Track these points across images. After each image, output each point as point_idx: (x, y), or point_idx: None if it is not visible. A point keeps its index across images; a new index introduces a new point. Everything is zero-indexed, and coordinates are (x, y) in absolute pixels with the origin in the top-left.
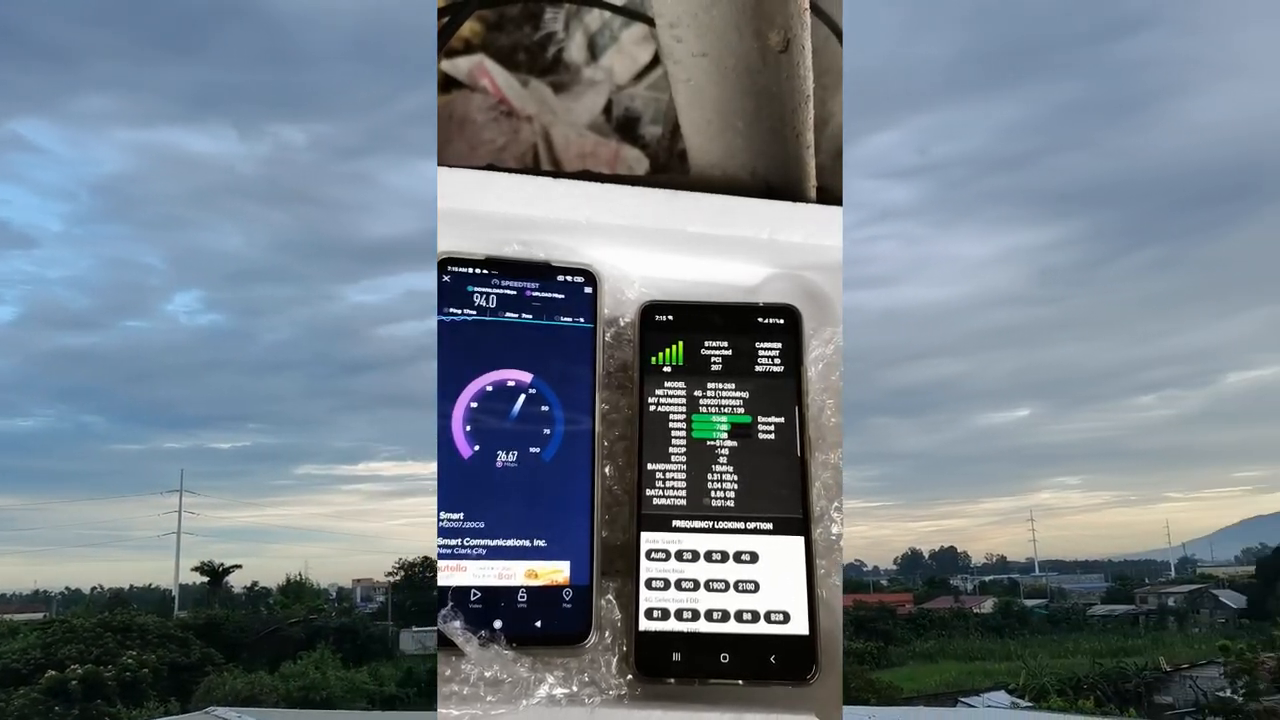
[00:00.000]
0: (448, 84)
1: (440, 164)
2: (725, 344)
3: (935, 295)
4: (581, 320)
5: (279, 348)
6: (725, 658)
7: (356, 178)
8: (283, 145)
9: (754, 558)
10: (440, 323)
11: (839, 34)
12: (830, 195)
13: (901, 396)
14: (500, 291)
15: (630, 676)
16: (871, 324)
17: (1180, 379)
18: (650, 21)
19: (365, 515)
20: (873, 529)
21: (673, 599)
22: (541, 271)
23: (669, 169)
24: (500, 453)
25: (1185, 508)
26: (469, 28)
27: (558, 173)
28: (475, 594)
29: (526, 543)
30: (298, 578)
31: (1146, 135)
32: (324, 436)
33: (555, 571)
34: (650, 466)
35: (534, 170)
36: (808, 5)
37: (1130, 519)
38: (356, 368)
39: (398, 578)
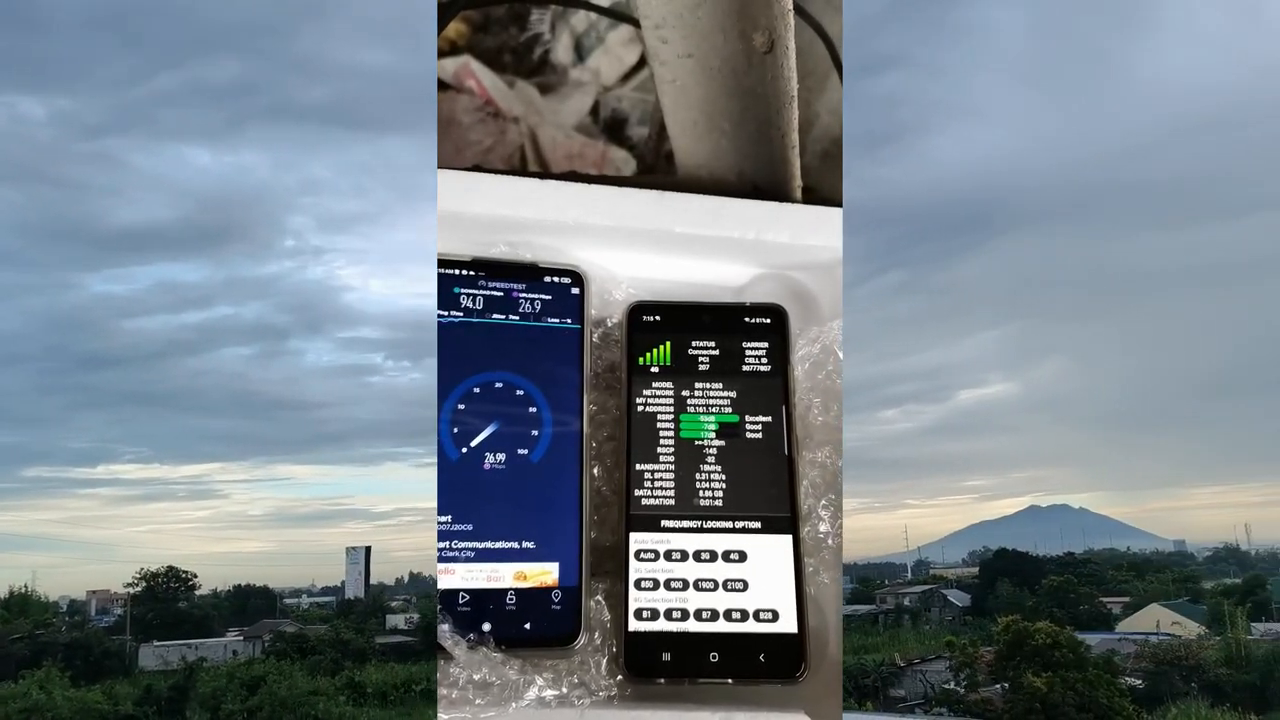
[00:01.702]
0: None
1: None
2: (712, 344)
3: None
4: (569, 321)
5: (7, 339)
6: (715, 657)
7: (102, 158)
8: (18, 118)
9: (742, 557)
10: (438, 324)
11: (824, 35)
12: (817, 195)
13: None
14: (487, 293)
15: (620, 677)
16: None
17: (919, 394)
18: (636, 23)
19: (103, 521)
20: None
21: (662, 599)
22: (528, 272)
23: (656, 170)
24: (488, 455)
25: (922, 513)
26: (454, 29)
27: (545, 174)
28: (464, 596)
29: (515, 544)
30: (23, 589)
31: (892, 168)
32: (57, 436)
33: (544, 573)
34: (639, 467)
35: (521, 171)
36: (791, 7)
37: (875, 524)
38: (97, 362)
39: (138, 589)
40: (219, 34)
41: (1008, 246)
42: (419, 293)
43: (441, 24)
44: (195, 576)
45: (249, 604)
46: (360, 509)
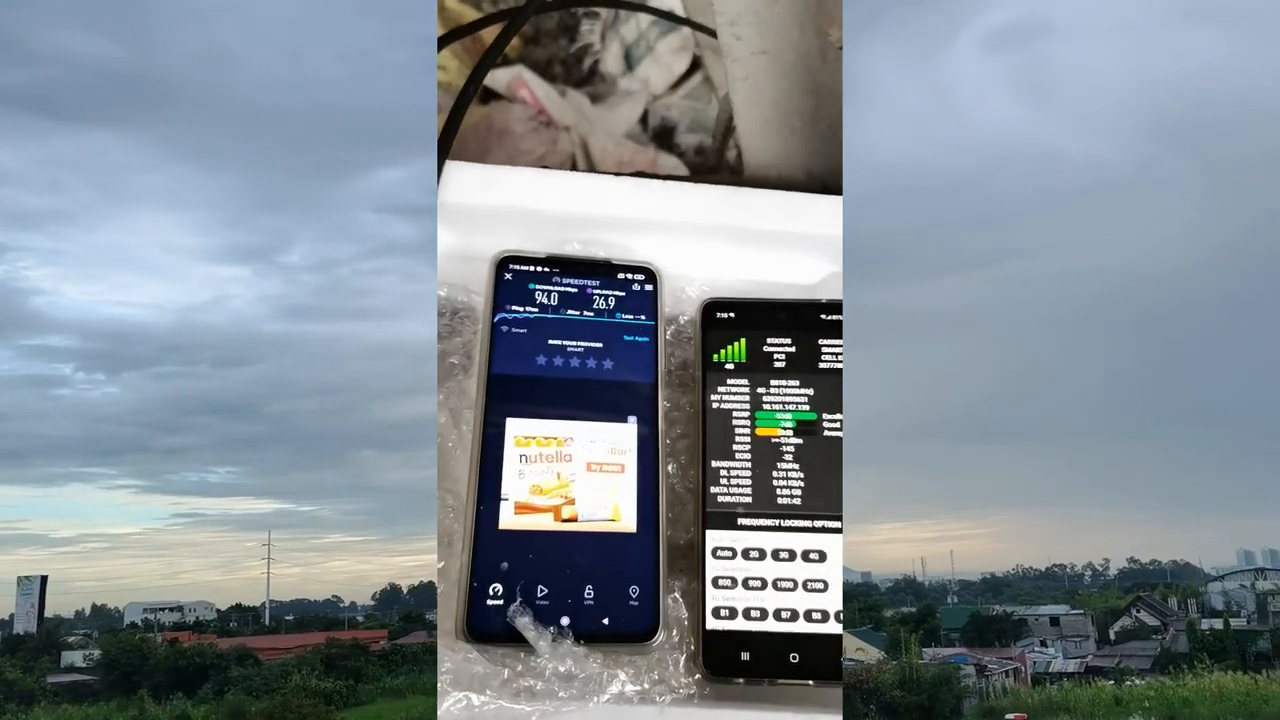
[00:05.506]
0: (486, 95)
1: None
2: (788, 341)
3: (428, 333)
4: (642, 318)
5: None
6: (795, 658)
7: None
8: None
9: (822, 557)
10: (495, 321)
11: None
12: None
13: (387, 430)
14: (561, 289)
15: (698, 675)
16: (368, 355)
17: None
18: (700, 26)
19: None
20: (355, 563)
21: (740, 598)
22: (602, 269)
23: (720, 171)
24: None
25: None
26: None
27: (617, 172)
28: (542, 590)
29: (593, 540)
30: None
31: None
32: None
33: (620, 568)
34: (714, 464)
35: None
36: None
37: None
38: None
39: None
40: None
41: None
42: (120, 300)
43: (504, 32)
44: None
45: None
46: (37, 534)
